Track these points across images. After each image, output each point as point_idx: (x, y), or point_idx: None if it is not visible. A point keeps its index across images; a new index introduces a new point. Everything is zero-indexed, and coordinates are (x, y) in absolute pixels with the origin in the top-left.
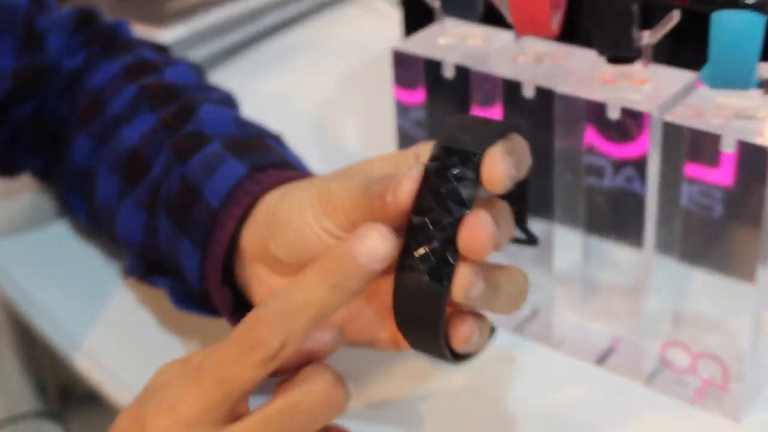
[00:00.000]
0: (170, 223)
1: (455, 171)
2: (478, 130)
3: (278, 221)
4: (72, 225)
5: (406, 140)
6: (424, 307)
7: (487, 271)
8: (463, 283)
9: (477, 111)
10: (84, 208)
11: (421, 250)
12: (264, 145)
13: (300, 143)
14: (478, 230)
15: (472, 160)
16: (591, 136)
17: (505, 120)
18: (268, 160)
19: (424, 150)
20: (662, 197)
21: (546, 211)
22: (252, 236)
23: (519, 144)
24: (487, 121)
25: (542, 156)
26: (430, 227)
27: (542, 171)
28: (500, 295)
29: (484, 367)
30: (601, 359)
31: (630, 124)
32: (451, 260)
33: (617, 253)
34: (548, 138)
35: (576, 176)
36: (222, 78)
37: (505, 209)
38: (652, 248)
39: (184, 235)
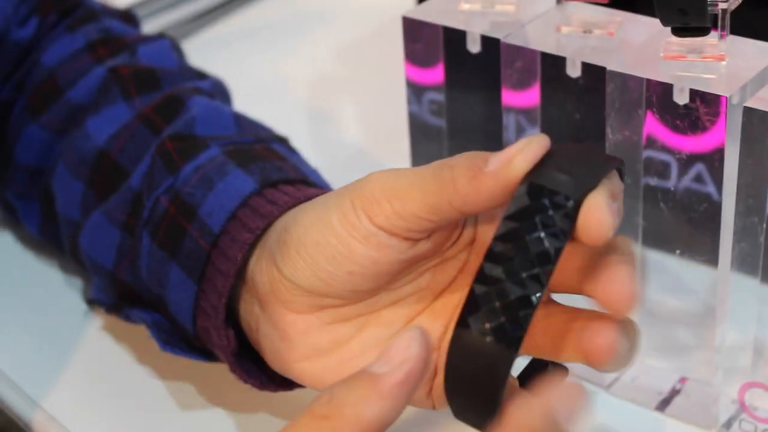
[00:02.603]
0: (155, 246)
1: (544, 217)
2: (576, 166)
3: (292, 238)
4: (18, 237)
5: (420, 130)
6: (484, 374)
7: (625, 326)
8: (608, 344)
9: (508, 94)
10: (36, 217)
11: (491, 306)
12: (273, 154)
13: (292, 134)
14: (619, 280)
15: (565, 206)
16: (652, 126)
17: (608, 154)
18: (282, 175)
19: (461, 166)
20: (742, 202)
21: None
22: (263, 266)
23: (619, 187)
24: (589, 155)
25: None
26: (505, 280)
27: None
28: (626, 353)
29: None
30: (664, 404)
31: (702, 110)
32: (524, 324)
33: (685, 271)
34: (598, 128)
35: (633, 176)
36: (192, 54)
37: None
38: (729, 266)
39: (172, 262)
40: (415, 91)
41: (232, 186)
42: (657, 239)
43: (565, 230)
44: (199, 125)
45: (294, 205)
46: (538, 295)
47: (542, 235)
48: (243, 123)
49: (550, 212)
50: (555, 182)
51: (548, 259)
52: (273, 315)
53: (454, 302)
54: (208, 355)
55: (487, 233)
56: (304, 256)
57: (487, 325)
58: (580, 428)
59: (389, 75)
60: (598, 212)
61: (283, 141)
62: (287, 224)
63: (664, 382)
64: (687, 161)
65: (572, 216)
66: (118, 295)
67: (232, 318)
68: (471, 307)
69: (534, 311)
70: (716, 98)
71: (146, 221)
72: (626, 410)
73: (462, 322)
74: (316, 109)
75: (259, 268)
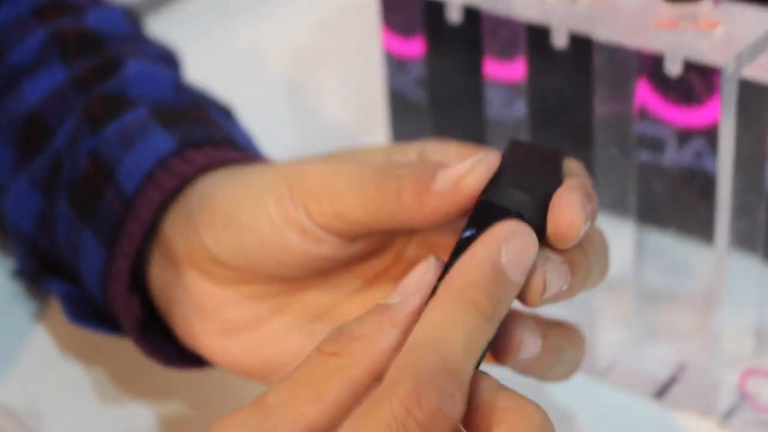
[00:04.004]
0: (71, 211)
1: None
2: (532, 177)
3: (219, 208)
4: None
5: (400, 105)
6: None
7: (547, 328)
8: (514, 344)
9: (492, 67)
10: None
11: None
12: (203, 117)
13: (269, 108)
14: (569, 211)
15: (524, 219)
16: (644, 98)
17: (553, 151)
18: (206, 135)
19: (433, 151)
20: (740, 178)
21: None
22: (180, 229)
23: (588, 181)
24: (544, 160)
25: (580, 125)
26: None
27: (580, 144)
28: (561, 361)
29: None
30: (661, 392)
31: (696, 81)
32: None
33: (681, 251)
34: (587, 101)
35: (624, 150)
36: (163, 28)
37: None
38: (727, 245)
39: (86, 227)
40: (395, 64)
41: (152, 146)
42: (651, 217)
43: None
44: (132, 86)
45: (210, 167)
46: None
47: None
48: (184, 89)
49: None
50: (512, 201)
51: None
52: (188, 282)
53: (388, 291)
54: (118, 329)
55: None
56: (233, 233)
57: None
58: (565, 424)
59: (370, 48)
60: (569, 211)
61: (223, 109)
62: (212, 190)
63: (660, 370)
64: (681, 135)
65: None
66: (39, 264)
67: (143, 288)
68: None
69: (490, 343)
70: (710, 68)
71: (64, 183)
72: (621, 400)
73: None
74: (294, 82)
75: (177, 231)
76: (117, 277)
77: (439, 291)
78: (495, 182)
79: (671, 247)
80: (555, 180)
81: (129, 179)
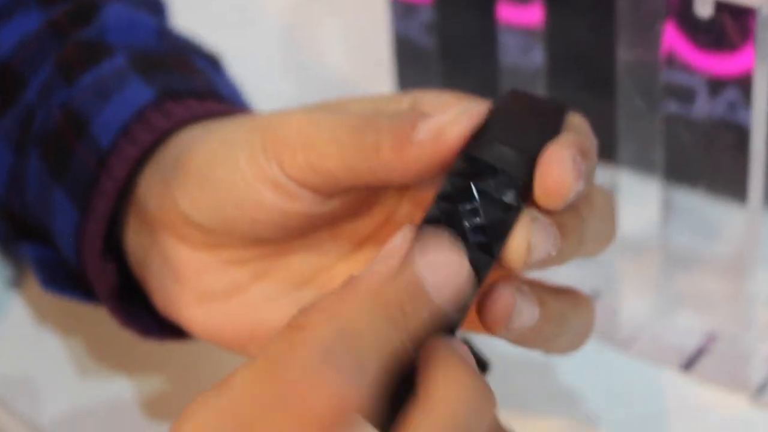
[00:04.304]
0: (43, 167)
1: (485, 200)
2: (522, 132)
3: (191, 166)
4: None
5: (408, 53)
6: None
7: (546, 294)
8: (504, 310)
9: (507, 10)
10: None
11: None
12: (187, 66)
13: (266, 59)
14: (557, 168)
15: (508, 187)
16: (671, 44)
17: (557, 103)
18: (189, 86)
19: (429, 101)
20: None
21: (607, 151)
22: (154, 190)
23: (590, 142)
24: (539, 112)
25: (601, 73)
26: None
27: (602, 94)
28: (565, 331)
29: (525, 376)
30: (689, 364)
31: (729, 24)
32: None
33: (711, 210)
34: (609, 46)
35: (650, 101)
36: None
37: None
38: (761, 203)
39: (59, 184)
40: (400, 7)
41: (129, 97)
42: (678, 174)
43: (511, 216)
44: (111, 33)
45: (193, 120)
46: (472, 293)
47: (481, 222)
48: (167, 36)
49: (493, 194)
50: (496, 156)
51: (488, 251)
52: (164, 247)
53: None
54: (96, 297)
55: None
56: (207, 193)
57: None
58: (585, 397)
59: None
60: (558, 167)
61: (209, 58)
62: (188, 145)
63: (689, 340)
64: (712, 84)
65: (517, 197)
66: (11, 227)
67: (119, 253)
68: None
69: (465, 315)
70: (744, 9)
71: (36, 137)
72: (646, 372)
73: None
74: (290, 28)
75: (151, 190)
76: (90, 241)
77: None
78: (481, 135)
79: (701, 206)
80: (551, 135)
81: (104, 133)
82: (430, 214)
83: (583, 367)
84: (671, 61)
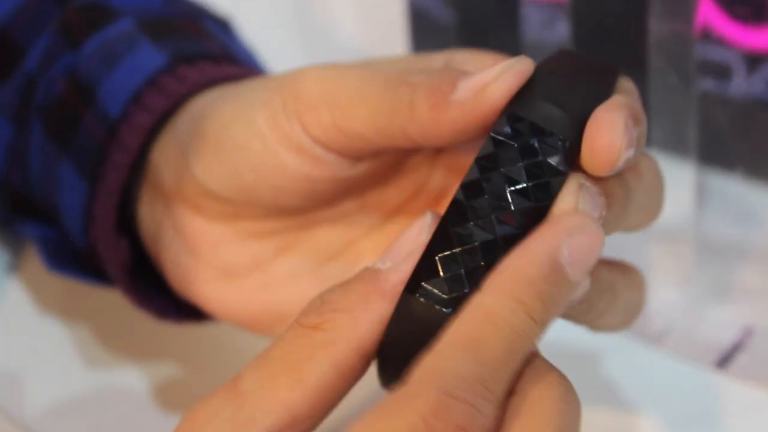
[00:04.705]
0: (47, 139)
1: (530, 162)
2: (570, 91)
3: (207, 131)
4: None
5: (424, 26)
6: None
7: (597, 267)
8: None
9: None
10: None
11: (454, 273)
12: (198, 30)
13: (275, 31)
14: (608, 132)
15: (555, 148)
16: (708, 15)
17: (610, 64)
18: (202, 49)
19: (463, 60)
20: None
21: None
22: (169, 158)
23: (638, 106)
24: (589, 72)
25: (632, 48)
26: (474, 242)
27: (632, 71)
28: (615, 306)
29: None
30: (724, 361)
31: None
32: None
33: (748, 195)
34: (639, 19)
35: (684, 78)
36: None
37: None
38: None
39: (65, 157)
40: None
41: (139, 62)
42: (714, 157)
43: (557, 180)
44: None
45: (208, 84)
46: None
47: (526, 186)
48: (174, 0)
49: (538, 156)
50: (542, 116)
51: (533, 217)
52: (179, 220)
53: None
54: (103, 277)
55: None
56: (222, 158)
57: (446, 296)
58: (614, 395)
59: None
60: (609, 130)
61: (220, 21)
62: (204, 110)
63: (724, 335)
64: (750, 60)
65: (564, 160)
66: (12, 205)
67: (131, 229)
68: (427, 269)
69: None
70: None
71: (38, 107)
72: (678, 369)
73: (413, 286)
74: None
75: (165, 159)
76: (101, 216)
77: (485, 286)
78: (526, 94)
79: (737, 191)
80: (601, 97)
81: (113, 101)
82: (469, 176)
83: (611, 364)
84: (706, 34)
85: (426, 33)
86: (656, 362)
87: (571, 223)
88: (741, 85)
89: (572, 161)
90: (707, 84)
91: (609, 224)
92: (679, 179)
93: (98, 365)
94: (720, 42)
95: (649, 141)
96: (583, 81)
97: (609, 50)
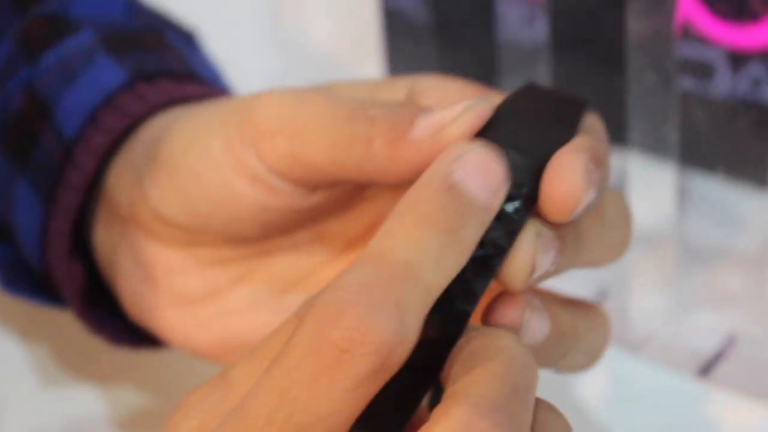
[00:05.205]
0: (3, 157)
1: None
2: (531, 133)
3: (163, 155)
4: None
5: (399, 26)
6: (393, 401)
7: (558, 310)
8: (511, 325)
9: None
10: None
11: None
12: (160, 44)
13: (248, 31)
14: (566, 178)
15: (516, 195)
16: (687, 12)
17: (575, 99)
18: (163, 66)
19: (428, 88)
20: None
21: (617, 133)
22: (124, 180)
23: (603, 148)
24: (552, 109)
25: (610, 46)
26: None
27: (611, 70)
28: (577, 348)
29: None
30: (706, 369)
31: None
32: (449, 342)
33: (730, 198)
34: (618, 17)
35: (664, 77)
36: None
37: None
38: None
39: (21, 176)
40: None
41: (97, 79)
42: (695, 158)
43: (514, 228)
44: (76, 6)
45: (168, 104)
46: (468, 309)
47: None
48: (138, 11)
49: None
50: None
51: (487, 268)
52: (135, 244)
53: None
54: (59, 299)
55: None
56: (177, 185)
57: None
58: (594, 404)
59: None
60: (568, 177)
61: (184, 34)
62: (160, 133)
63: (706, 342)
64: (732, 58)
65: (522, 208)
66: None
67: (87, 252)
68: None
69: (458, 337)
70: None
71: None
72: (660, 377)
73: None
74: (276, 2)
75: (121, 182)
76: (56, 238)
77: (388, 217)
78: (485, 134)
79: (720, 193)
80: (563, 138)
81: (69, 120)
82: None
83: (592, 372)
84: (687, 32)
85: (401, 33)
86: (638, 370)
87: (457, 146)
88: (723, 84)
89: (531, 206)
90: (688, 83)
91: (561, 266)
92: (659, 181)
93: (57, 387)
94: (703, 40)
95: (629, 142)
96: (545, 120)
97: (588, 49)
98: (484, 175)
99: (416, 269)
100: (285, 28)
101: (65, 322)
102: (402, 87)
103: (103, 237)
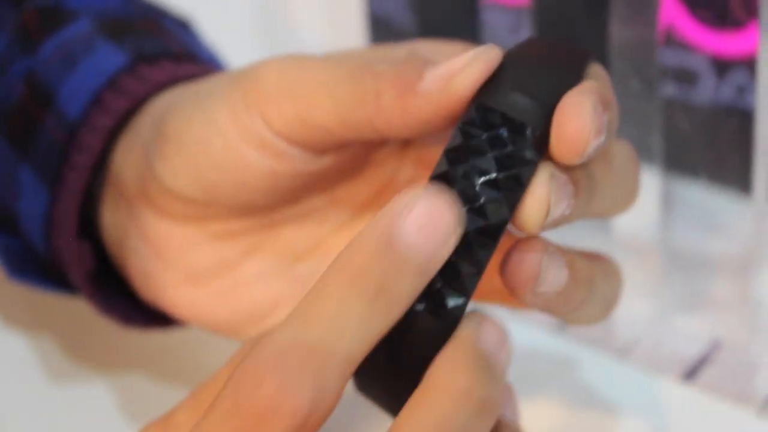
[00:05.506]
0: (6, 145)
1: (500, 152)
2: (540, 79)
3: (169, 129)
4: None
5: (384, 31)
6: (408, 349)
7: (574, 258)
8: (530, 271)
9: None
10: None
11: None
12: (159, 29)
13: (235, 34)
14: (576, 117)
15: (524, 137)
16: (671, 19)
17: (581, 49)
18: (163, 48)
19: (428, 50)
20: None
21: None
22: (131, 159)
23: (609, 91)
24: (559, 59)
25: (594, 52)
26: None
27: None
28: (593, 298)
29: (515, 385)
30: (691, 374)
31: (734, 1)
32: (466, 293)
33: (714, 204)
34: (602, 24)
35: (648, 84)
36: None
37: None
38: (766, 196)
39: (24, 162)
40: None
41: (99, 63)
42: (678, 164)
43: (527, 170)
44: None
45: (169, 83)
46: (487, 255)
47: (496, 177)
48: (133, 0)
49: (508, 146)
50: (511, 105)
51: (503, 209)
52: (143, 223)
53: None
54: (67, 285)
55: (422, 138)
56: (184, 157)
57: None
58: (580, 408)
59: None
60: (577, 116)
61: (180, 21)
62: (166, 109)
63: (691, 347)
64: (715, 65)
65: (534, 150)
66: None
67: (94, 233)
68: None
69: (479, 278)
70: None
71: None
72: (645, 382)
73: None
74: (262, 4)
75: (128, 162)
76: (63, 220)
77: (324, 280)
78: (494, 83)
79: (701, 199)
80: (570, 83)
81: (73, 103)
82: (438, 170)
83: (576, 377)
84: (674, 40)
85: (386, 38)
86: (623, 375)
87: (405, 196)
88: (707, 90)
89: (542, 150)
90: (671, 90)
91: (576, 212)
92: (644, 188)
93: (63, 376)
94: (688, 47)
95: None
96: (552, 68)
97: None
98: (431, 227)
99: (339, 333)
100: (273, 34)
101: (70, 311)
102: (402, 51)
103: (111, 218)
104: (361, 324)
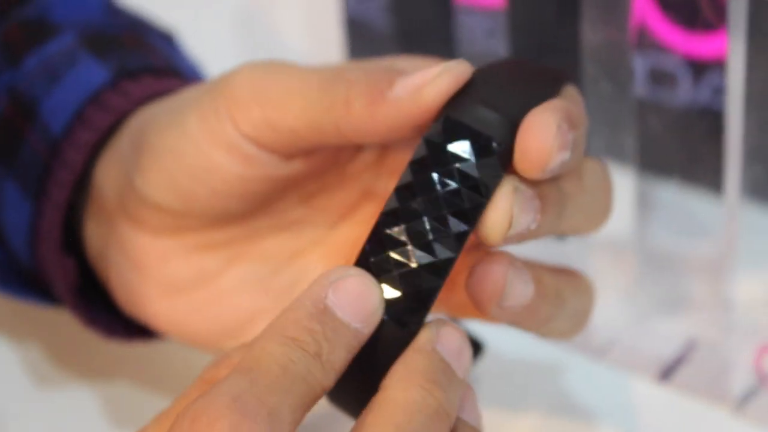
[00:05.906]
0: None
1: (464, 164)
2: (508, 96)
3: (145, 142)
4: None
5: (361, 35)
6: (371, 355)
7: (542, 273)
8: (495, 285)
9: None
10: None
11: (388, 277)
12: (141, 43)
13: (214, 39)
14: (539, 133)
15: (490, 151)
16: (643, 21)
17: (556, 70)
18: (145, 63)
19: (406, 67)
20: (753, 116)
21: None
22: (111, 175)
23: (578, 111)
24: (530, 77)
25: (569, 57)
26: (407, 244)
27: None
28: (562, 312)
29: (488, 386)
30: (666, 374)
31: (705, 2)
32: (427, 302)
33: (687, 204)
34: (575, 25)
35: (620, 86)
36: None
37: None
38: (738, 196)
39: (7, 176)
40: None
41: (82, 78)
42: (652, 164)
43: (489, 183)
44: (55, 9)
45: (151, 98)
46: (448, 264)
47: (458, 188)
48: (116, 12)
49: (471, 159)
50: (477, 119)
51: (465, 220)
52: (123, 236)
53: (355, 235)
54: (51, 297)
55: (400, 150)
56: (159, 166)
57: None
58: (557, 409)
59: None
60: (541, 132)
61: (163, 35)
62: (144, 123)
63: (666, 348)
64: (686, 66)
65: (498, 163)
66: None
67: (78, 247)
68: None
69: (441, 285)
70: None
71: None
72: (621, 382)
73: None
74: (246, 11)
75: (108, 176)
76: (46, 234)
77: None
78: (462, 97)
79: (675, 199)
80: (539, 100)
81: (55, 118)
82: (403, 180)
83: (553, 377)
84: (643, 40)
85: (363, 41)
86: (599, 375)
87: (335, 271)
88: (681, 91)
89: (507, 164)
90: (644, 90)
91: (543, 227)
92: (618, 189)
93: (48, 384)
94: (655, 48)
95: (588, 150)
96: (522, 85)
97: (546, 59)
98: (357, 302)
99: (289, 377)
100: (253, 40)
101: (56, 322)
102: (380, 66)
103: (94, 232)
104: (307, 375)
